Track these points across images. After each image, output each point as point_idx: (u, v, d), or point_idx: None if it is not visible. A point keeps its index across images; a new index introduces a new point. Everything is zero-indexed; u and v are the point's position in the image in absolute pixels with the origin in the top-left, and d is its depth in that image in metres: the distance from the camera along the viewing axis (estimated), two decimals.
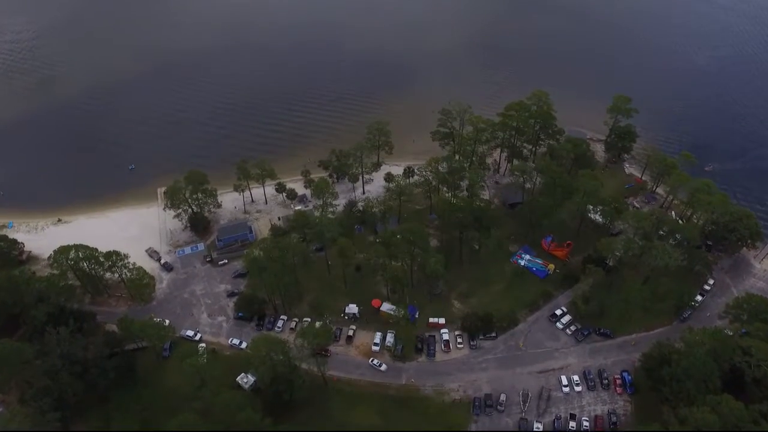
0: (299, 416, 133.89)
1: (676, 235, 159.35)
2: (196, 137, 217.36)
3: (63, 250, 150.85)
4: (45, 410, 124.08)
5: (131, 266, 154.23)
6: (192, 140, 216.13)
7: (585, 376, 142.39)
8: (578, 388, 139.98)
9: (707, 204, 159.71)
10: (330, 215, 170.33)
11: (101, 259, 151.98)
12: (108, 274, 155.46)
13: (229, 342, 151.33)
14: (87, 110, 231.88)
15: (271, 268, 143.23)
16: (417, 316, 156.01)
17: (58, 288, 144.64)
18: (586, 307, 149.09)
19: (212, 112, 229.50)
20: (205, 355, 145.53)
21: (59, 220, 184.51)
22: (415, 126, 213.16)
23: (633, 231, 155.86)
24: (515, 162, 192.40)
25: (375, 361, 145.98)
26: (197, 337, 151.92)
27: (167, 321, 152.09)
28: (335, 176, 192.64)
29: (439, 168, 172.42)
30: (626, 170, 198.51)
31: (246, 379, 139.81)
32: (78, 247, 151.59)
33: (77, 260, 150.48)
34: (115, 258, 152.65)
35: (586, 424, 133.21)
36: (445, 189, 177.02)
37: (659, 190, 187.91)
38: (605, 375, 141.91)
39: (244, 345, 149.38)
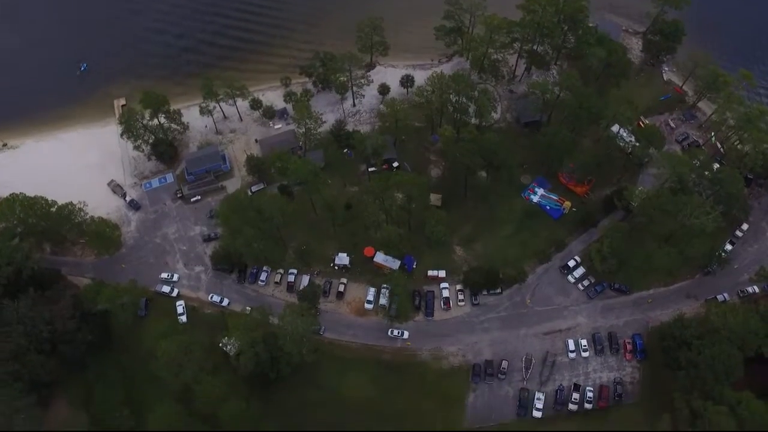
0: (288, 386, 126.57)
1: (714, 165, 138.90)
2: (154, 28, 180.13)
3: (8, 204, 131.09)
4: (16, 396, 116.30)
5: (89, 219, 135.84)
6: (150, 32, 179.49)
7: (593, 340, 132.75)
8: (585, 354, 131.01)
9: (760, 141, 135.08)
10: (317, 136, 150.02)
11: (53, 211, 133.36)
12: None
13: (210, 298, 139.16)
14: None
15: (246, 233, 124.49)
16: (415, 266, 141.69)
17: (9, 251, 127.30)
18: (603, 266, 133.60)
19: None
20: (184, 315, 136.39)
21: (5, 145, 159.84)
22: (414, 10, 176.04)
23: (668, 174, 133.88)
24: (533, 69, 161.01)
25: (395, 332, 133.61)
26: (174, 293, 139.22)
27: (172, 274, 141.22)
28: (320, 86, 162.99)
29: (443, 85, 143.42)
30: (664, 75, 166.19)
31: (229, 346, 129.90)
32: (24, 200, 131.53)
33: (26, 215, 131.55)
34: (68, 211, 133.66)
35: (590, 395, 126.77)
36: (450, 109, 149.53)
37: (701, 105, 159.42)
38: (615, 339, 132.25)
39: (225, 302, 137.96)
